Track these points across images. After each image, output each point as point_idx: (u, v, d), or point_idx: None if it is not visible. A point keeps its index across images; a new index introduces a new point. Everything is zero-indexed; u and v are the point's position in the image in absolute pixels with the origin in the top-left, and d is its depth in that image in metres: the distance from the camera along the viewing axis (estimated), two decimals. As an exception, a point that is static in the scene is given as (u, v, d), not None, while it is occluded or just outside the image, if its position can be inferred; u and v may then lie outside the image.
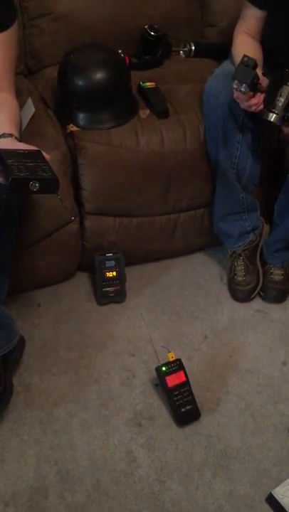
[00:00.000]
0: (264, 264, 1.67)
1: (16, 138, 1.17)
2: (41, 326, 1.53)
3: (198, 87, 1.56)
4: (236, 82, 1.28)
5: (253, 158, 1.52)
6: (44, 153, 1.12)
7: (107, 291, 1.59)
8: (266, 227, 1.69)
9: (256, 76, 1.29)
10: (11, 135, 1.16)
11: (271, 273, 1.65)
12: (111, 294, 1.59)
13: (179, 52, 1.83)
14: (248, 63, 1.27)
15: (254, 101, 1.32)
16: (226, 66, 1.54)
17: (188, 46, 1.82)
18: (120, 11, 1.73)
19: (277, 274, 1.65)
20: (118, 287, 1.59)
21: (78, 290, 1.64)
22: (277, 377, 1.44)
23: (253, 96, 1.31)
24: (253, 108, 1.34)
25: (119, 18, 1.73)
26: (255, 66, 1.29)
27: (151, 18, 1.75)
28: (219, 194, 1.59)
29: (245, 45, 1.45)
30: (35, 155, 1.10)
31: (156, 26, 1.73)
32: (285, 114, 1.28)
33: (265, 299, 1.65)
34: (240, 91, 1.29)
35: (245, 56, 1.28)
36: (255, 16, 1.48)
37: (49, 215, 1.43)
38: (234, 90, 1.32)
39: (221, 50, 1.70)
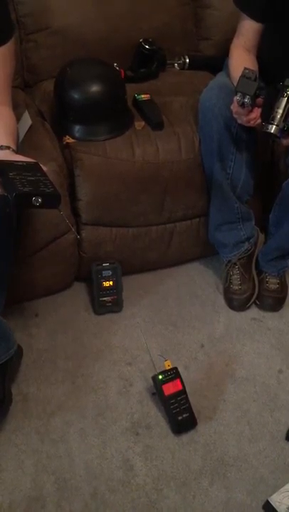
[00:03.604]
0: (259, 272, 1.69)
1: (13, 150, 1.19)
2: (39, 336, 1.54)
3: (192, 99, 1.59)
4: (239, 94, 1.31)
5: (247, 168, 1.55)
6: (42, 166, 1.14)
7: (104, 300, 1.60)
8: (261, 237, 1.71)
9: (258, 87, 1.31)
10: (8, 147, 1.18)
11: (267, 282, 1.66)
12: (108, 304, 1.61)
13: (173, 65, 1.86)
14: (249, 75, 1.30)
15: (252, 115, 1.35)
16: (221, 78, 1.56)
17: (182, 59, 1.85)
18: (115, 26, 1.76)
19: (272, 282, 1.66)
20: (115, 297, 1.60)
21: (75, 300, 1.66)
22: (273, 385, 1.45)
23: (251, 111, 1.34)
24: (252, 122, 1.36)
25: (114, 33, 1.76)
26: (256, 78, 1.32)
27: (146, 32, 1.78)
28: (214, 204, 1.61)
29: (242, 59, 1.47)
30: (34, 168, 1.12)
31: (150, 40, 1.76)
32: (285, 125, 1.31)
33: (261, 307, 1.66)
34: (244, 102, 1.31)
35: (246, 69, 1.30)
36: (251, 29, 1.50)
37: (46, 226, 1.44)
38: (234, 106, 1.34)
39: (215, 63, 1.73)
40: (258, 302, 1.67)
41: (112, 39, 1.76)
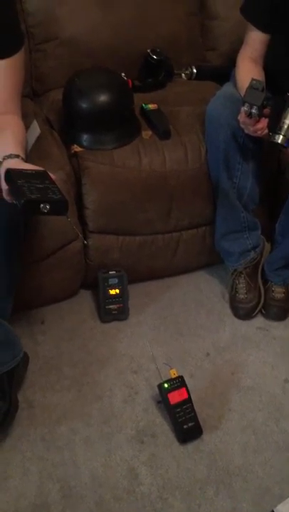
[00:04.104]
0: (265, 282, 1.69)
1: (22, 158, 1.20)
2: (45, 343, 1.54)
3: (199, 109, 1.60)
4: (247, 105, 1.32)
5: (254, 178, 1.55)
6: (50, 174, 1.15)
7: (110, 308, 1.61)
8: (267, 246, 1.71)
9: (266, 98, 1.32)
10: (17, 156, 1.19)
11: (272, 291, 1.66)
12: (114, 312, 1.61)
13: (180, 75, 1.87)
14: (256, 86, 1.31)
15: (259, 125, 1.36)
16: (228, 88, 1.58)
17: (189, 69, 1.87)
18: (123, 36, 1.78)
19: (278, 292, 1.66)
20: (121, 305, 1.61)
21: (81, 307, 1.66)
22: (279, 394, 1.45)
23: (258, 121, 1.35)
24: (259, 132, 1.37)
25: (122, 43, 1.78)
26: (263, 88, 1.33)
27: (153, 42, 1.80)
28: (220, 213, 1.62)
29: (249, 70, 1.48)
30: (42, 175, 1.13)
31: (158, 50, 1.78)
32: None
33: (266, 316, 1.66)
34: (251, 112, 1.32)
35: (253, 79, 1.31)
36: (258, 39, 1.51)
37: (54, 234, 1.45)
38: (241, 116, 1.35)
39: (222, 73, 1.74)
40: (263, 311, 1.67)
41: (119, 49, 1.77)
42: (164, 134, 1.56)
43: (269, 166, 1.63)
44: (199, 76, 1.87)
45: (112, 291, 1.60)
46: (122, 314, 1.62)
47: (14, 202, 1.10)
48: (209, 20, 1.90)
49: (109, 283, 1.59)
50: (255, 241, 1.66)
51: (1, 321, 1.28)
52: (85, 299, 1.69)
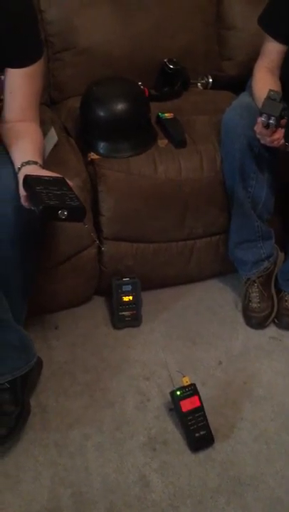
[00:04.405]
0: (279, 291, 1.69)
1: (40, 165, 1.22)
2: (58, 349, 1.55)
3: (215, 118, 1.61)
4: (265, 115, 1.32)
5: (269, 188, 1.56)
6: (68, 181, 1.16)
7: (124, 315, 1.61)
8: (281, 255, 1.71)
9: (284, 108, 1.33)
10: (35, 162, 1.21)
11: (286, 300, 1.66)
12: (127, 318, 1.62)
13: (196, 84, 1.89)
14: (274, 97, 1.32)
15: (276, 136, 1.36)
16: (244, 98, 1.59)
17: (205, 79, 1.89)
18: (140, 45, 1.80)
19: (291, 301, 1.66)
20: (134, 312, 1.62)
21: (95, 314, 1.67)
22: (291, 404, 1.45)
23: (275, 131, 1.35)
24: (275, 143, 1.38)
25: (139, 52, 1.80)
26: (281, 99, 1.34)
27: (170, 51, 1.82)
28: (235, 222, 1.62)
29: (265, 81, 1.49)
30: (60, 182, 1.14)
31: (174, 60, 1.80)
32: None
33: (279, 326, 1.66)
34: (269, 123, 1.32)
35: (271, 90, 1.32)
36: (275, 50, 1.52)
37: (69, 240, 1.47)
38: (257, 126, 1.36)
39: (238, 83, 1.75)
40: (276, 321, 1.67)
41: (136, 58, 1.79)
42: (180, 143, 1.57)
43: (284, 176, 1.63)
44: (215, 86, 1.89)
45: (126, 298, 1.60)
46: (135, 321, 1.63)
47: (32, 208, 1.12)
48: (226, 30, 1.91)
49: (123, 290, 1.60)
50: (268, 250, 1.66)
51: (15, 325, 1.29)
52: (98, 305, 1.70)
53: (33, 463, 1.28)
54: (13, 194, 1.17)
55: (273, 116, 1.31)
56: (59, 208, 1.07)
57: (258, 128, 1.37)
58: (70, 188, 1.14)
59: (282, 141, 1.36)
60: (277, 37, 1.49)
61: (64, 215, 1.07)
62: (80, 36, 1.75)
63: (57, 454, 1.30)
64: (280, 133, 1.36)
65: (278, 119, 1.32)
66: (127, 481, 1.26)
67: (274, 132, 1.36)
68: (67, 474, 1.26)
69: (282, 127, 1.35)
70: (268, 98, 1.32)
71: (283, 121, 1.35)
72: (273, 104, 1.31)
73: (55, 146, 1.49)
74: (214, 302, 1.74)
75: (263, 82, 1.48)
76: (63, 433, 1.34)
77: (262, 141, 1.41)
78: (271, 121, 1.32)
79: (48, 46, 1.72)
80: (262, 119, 1.33)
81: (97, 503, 1.22)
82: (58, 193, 1.10)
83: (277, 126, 1.34)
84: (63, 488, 1.24)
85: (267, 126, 1.34)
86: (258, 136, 1.40)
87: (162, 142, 1.59)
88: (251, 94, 1.56)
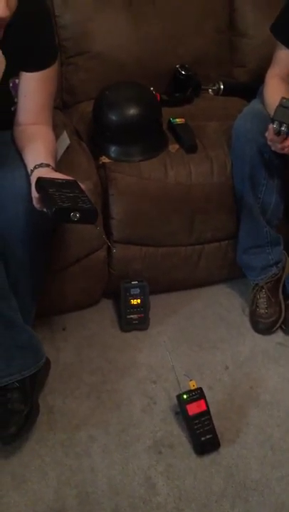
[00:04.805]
0: (286, 297, 1.69)
1: (52, 168, 1.24)
2: (66, 350, 1.56)
3: (226, 124, 1.62)
4: (276, 122, 1.33)
5: (278, 194, 1.57)
6: (80, 183, 1.18)
7: (131, 318, 1.62)
8: (289, 262, 1.72)
9: None
10: (48, 165, 1.22)
11: (293, 307, 1.67)
12: (135, 321, 1.63)
13: (208, 90, 1.90)
14: (287, 105, 1.33)
15: (287, 143, 1.37)
16: (255, 105, 1.60)
17: (217, 85, 1.90)
18: (152, 51, 1.81)
19: (299, 307, 1.67)
20: (142, 315, 1.63)
21: (103, 316, 1.68)
22: (297, 411, 1.45)
23: (286, 138, 1.36)
24: (286, 150, 1.39)
25: (151, 58, 1.81)
26: None
27: (182, 57, 1.83)
28: (243, 227, 1.63)
29: (277, 88, 1.50)
30: (72, 185, 1.16)
31: (186, 66, 1.81)
32: None
33: (286, 332, 1.66)
34: (281, 130, 1.33)
35: (283, 98, 1.33)
36: (288, 58, 1.53)
37: (79, 242, 1.48)
38: (269, 133, 1.37)
39: (249, 90, 1.76)
40: (283, 327, 1.67)
41: (149, 63, 1.81)
42: (191, 148, 1.59)
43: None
44: (226, 92, 1.90)
45: (134, 301, 1.61)
46: (142, 324, 1.64)
47: (45, 210, 1.13)
48: (238, 37, 1.93)
49: (131, 293, 1.61)
50: (277, 256, 1.66)
51: (25, 326, 1.31)
52: (106, 308, 1.71)
53: (39, 463, 1.29)
54: (25, 196, 1.19)
55: (285, 123, 1.32)
56: (71, 210, 1.08)
57: (270, 135, 1.38)
58: (82, 191, 1.15)
59: None
60: None
61: (76, 217, 1.08)
62: (94, 41, 1.77)
63: (63, 455, 1.31)
64: None
65: None
66: (132, 483, 1.26)
67: (285, 139, 1.37)
68: (73, 475, 1.27)
69: None
70: (281, 105, 1.33)
71: None
72: (285, 112, 1.32)
73: (67, 149, 1.51)
74: (222, 307, 1.75)
75: (275, 90, 1.49)
76: (70, 434, 1.35)
77: (273, 148, 1.42)
78: (283, 129, 1.33)
79: (61, 50, 1.74)
80: (273, 126, 1.34)
81: (103, 504, 1.22)
82: (71, 195, 1.12)
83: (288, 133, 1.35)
84: (69, 489, 1.24)
85: (278, 133, 1.35)
86: (269, 142, 1.41)
87: (173, 147, 1.60)
88: (262, 101, 1.57)
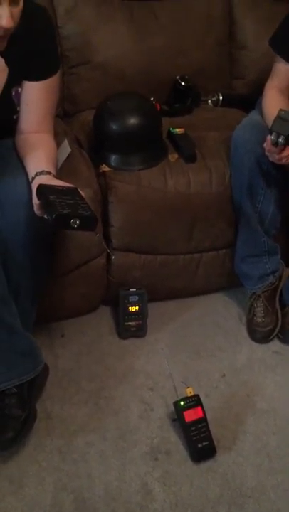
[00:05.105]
0: (283, 306, 1.71)
1: (53, 175, 1.25)
2: (64, 357, 1.57)
3: (224, 135, 1.65)
4: (274, 134, 1.36)
5: (276, 204, 1.58)
6: (80, 191, 1.19)
7: (129, 325, 1.63)
8: (286, 271, 1.73)
9: None
10: (49, 172, 1.24)
11: (290, 316, 1.68)
12: (133, 329, 1.64)
13: (207, 101, 1.93)
14: (284, 116, 1.35)
15: (285, 154, 1.39)
16: (253, 116, 1.62)
17: (216, 96, 1.93)
18: (153, 62, 1.85)
19: (296, 316, 1.68)
20: (140, 322, 1.64)
21: (101, 323, 1.69)
22: (293, 419, 1.46)
23: (284, 149, 1.38)
24: (283, 161, 1.41)
25: (152, 68, 1.84)
26: None
27: (182, 69, 1.86)
28: (241, 237, 1.65)
29: (275, 100, 1.53)
30: (73, 192, 1.17)
31: (186, 77, 1.84)
32: None
33: (283, 341, 1.68)
34: (278, 142, 1.36)
35: (281, 110, 1.36)
36: (286, 71, 1.56)
37: (79, 249, 1.49)
38: (267, 144, 1.39)
39: (248, 101, 1.79)
40: (280, 335, 1.68)
41: (149, 74, 1.84)
42: (190, 158, 1.61)
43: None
44: (225, 103, 1.93)
45: (132, 309, 1.63)
46: (140, 331, 1.65)
47: (45, 216, 1.14)
48: (237, 49, 1.96)
49: (130, 300, 1.62)
50: (274, 265, 1.68)
51: (23, 331, 1.32)
52: (104, 315, 1.72)
53: (36, 468, 1.29)
54: (26, 202, 1.20)
55: (282, 135, 1.34)
56: (71, 217, 1.09)
57: (267, 145, 1.40)
58: (82, 198, 1.17)
59: None
60: (288, 58, 1.53)
61: (76, 223, 1.10)
62: (96, 52, 1.80)
63: (60, 460, 1.31)
64: (288, 151, 1.39)
65: (287, 138, 1.35)
66: (129, 489, 1.27)
67: (282, 150, 1.39)
68: (70, 480, 1.27)
69: None
70: (278, 117, 1.35)
71: None
72: (283, 124, 1.34)
73: (68, 157, 1.53)
74: (219, 315, 1.76)
75: (273, 101, 1.52)
76: (67, 440, 1.36)
77: (270, 159, 1.44)
78: (280, 140, 1.35)
79: (63, 60, 1.77)
80: (271, 137, 1.36)
81: (99, 509, 1.23)
82: (71, 202, 1.13)
83: (286, 144, 1.37)
84: (66, 494, 1.25)
85: (276, 144, 1.37)
86: (267, 153, 1.43)
87: (173, 156, 1.62)
88: (261, 113, 1.59)
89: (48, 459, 1.31)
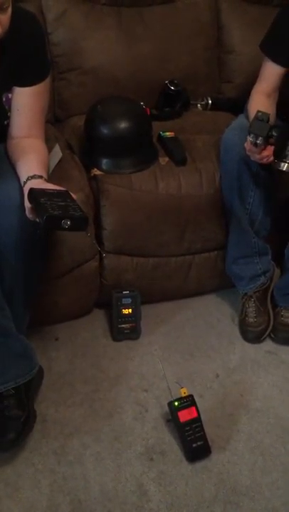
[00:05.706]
0: (275, 306, 1.72)
1: (45, 179, 1.27)
2: (58, 360, 1.58)
3: (214, 138, 1.67)
4: (252, 135, 1.38)
5: (266, 205, 1.60)
6: (71, 194, 1.21)
7: (123, 327, 1.64)
8: (277, 271, 1.75)
9: (270, 129, 1.38)
10: (40, 176, 1.25)
11: (282, 315, 1.70)
12: (126, 331, 1.65)
13: (197, 105, 1.95)
14: (262, 118, 1.37)
15: (265, 153, 1.41)
16: (242, 120, 1.64)
17: (205, 100, 1.95)
18: (143, 67, 1.86)
19: (287, 316, 1.69)
20: (133, 324, 1.65)
21: (95, 326, 1.70)
22: (287, 417, 1.47)
23: (264, 148, 1.40)
24: (265, 160, 1.43)
25: (141, 73, 1.86)
26: (268, 120, 1.39)
27: (172, 73, 1.88)
28: (232, 238, 1.67)
29: (260, 104, 1.54)
30: (64, 195, 1.19)
31: (176, 81, 1.86)
32: None
33: (275, 340, 1.69)
34: (257, 143, 1.38)
35: (259, 111, 1.38)
36: (276, 73, 1.57)
37: (71, 252, 1.50)
38: (247, 144, 1.41)
39: (236, 105, 1.81)
40: (272, 335, 1.70)
41: (139, 79, 1.86)
42: (180, 161, 1.62)
43: (281, 194, 1.68)
44: (214, 107, 1.95)
45: (125, 311, 1.64)
46: (133, 333, 1.66)
47: (37, 220, 1.16)
48: (225, 54, 1.98)
49: (123, 302, 1.63)
50: (265, 266, 1.70)
51: (18, 334, 1.32)
52: (98, 318, 1.73)
53: (32, 471, 1.30)
54: (18, 207, 1.21)
55: (261, 136, 1.36)
56: (62, 218, 1.11)
57: (247, 146, 1.42)
58: (73, 200, 1.18)
59: (272, 158, 1.41)
60: (278, 61, 1.54)
61: (67, 224, 1.11)
62: (85, 57, 1.81)
63: (56, 463, 1.32)
64: (270, 150, 1.41)
65: (266, 138, 1.37)
66: (124, 490, 1.28)
67: (263, 150, 1.41)
68: (66, 482, 1.28)
69: (271, 145, 1.40)
70: (256, 119, 1.37)
71: (271, 140, 1.40)
72: (261, 125, 1.37)
73: (60, 162, 1.54)
74: (212, 316, 1.78)
75: (259, 105, 1.53)
76: (62, 442, 1.36)
77: (252, 158, 1.46)
78: (258, 142, 1.37)
79: (53, 66, 1.78)
80: (250, 138, 1.38)
81: (95, 511, 1.23)
82: (62, 204, 1.15)
83: (266, 144, 1.39)
84: (62, 496, 1.25)
85: (255, 145, 1.39)
86: (248, 153, 1.45)
87: (163, 160, 1.64)
88: (247, 116, 1.61)
89: (43, 461, 1.32)
